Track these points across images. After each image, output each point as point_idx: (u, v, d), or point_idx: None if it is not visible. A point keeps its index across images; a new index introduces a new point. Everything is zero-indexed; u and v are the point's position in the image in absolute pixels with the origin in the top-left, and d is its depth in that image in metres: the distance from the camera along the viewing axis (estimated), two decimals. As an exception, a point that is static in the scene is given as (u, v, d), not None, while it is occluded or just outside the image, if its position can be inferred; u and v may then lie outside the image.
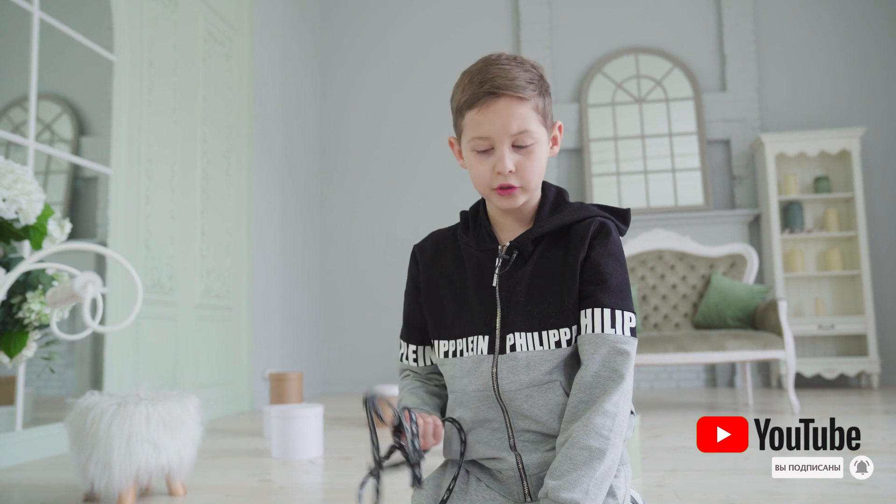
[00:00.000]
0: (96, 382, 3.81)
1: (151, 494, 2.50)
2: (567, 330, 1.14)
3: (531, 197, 1.22)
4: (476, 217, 1.26)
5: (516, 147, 1.15)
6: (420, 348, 1.30)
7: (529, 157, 1.16)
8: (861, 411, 4.32)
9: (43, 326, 2.85)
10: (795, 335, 5.95)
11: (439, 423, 1.19)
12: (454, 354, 1.19)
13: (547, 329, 1.14)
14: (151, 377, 4.22)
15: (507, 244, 1.20)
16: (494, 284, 1.18)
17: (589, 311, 1.13)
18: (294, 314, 6.38)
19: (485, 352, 1.15)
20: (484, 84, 1.13)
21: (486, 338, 1.16)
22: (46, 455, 3.36)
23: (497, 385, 1.14)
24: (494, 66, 1.14)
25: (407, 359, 1.31)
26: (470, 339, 1.17)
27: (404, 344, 1.32)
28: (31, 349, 2.87)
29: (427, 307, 1.25)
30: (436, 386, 1.31)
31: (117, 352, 3.92)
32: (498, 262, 1.19)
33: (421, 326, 1.29)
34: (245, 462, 3.15)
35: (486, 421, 1.17)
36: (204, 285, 4.93)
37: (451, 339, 1.20)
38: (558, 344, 1.13)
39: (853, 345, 6.02)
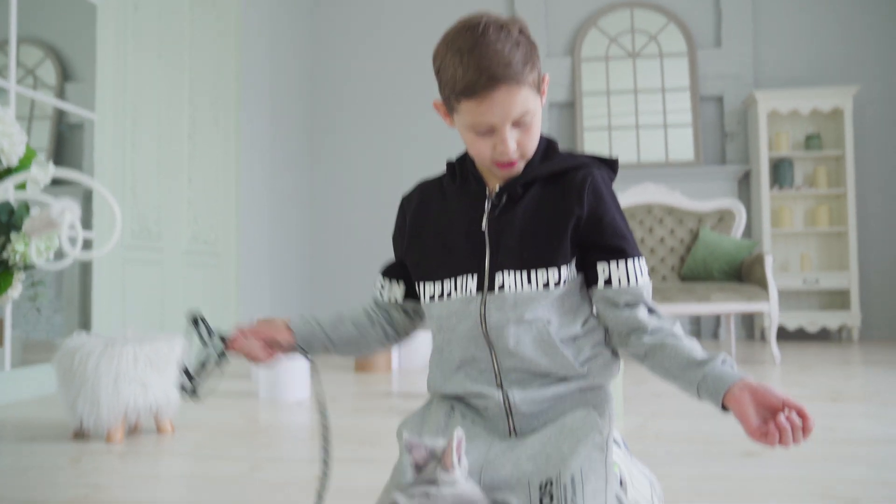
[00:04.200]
0: (84, 326, 3.82)
1: (140, 432, 2.54)
2: (555, 270, 1.15)
3: (526, 161, 1.23)
4: (463, 164, 1.26)
5: (515, 125, 1.14)
6: (387, 282, 1.31)
7: (528, 131, 1.16)
8: (840, 362, 4.40)
9: (28, 268, 2.85)
10: (780, 289, 6.02)
11: (274, 340, 1.26)
12: (441, 297, 1.19)
13: (535, 268, 1.15)
14: (139, 323, 4.24)
15: (497, 188, 1.20)
16: (484, 228, 1.18)
17: (621, 261, 1.16)
18: (282, 261, 6.38)
19: (473, 291, 1.16)
20: (480, 73, 1.09)
21: (475, 276, 1.16)
22: (35, 395, 3.39)
23: (485, 323, 1.15)
24: (486, 47, 1.10)
25: (375, 287, 1.34)
26: (458, 278, 1.18)
27: (379, 276, 1.34)
28: (16, 289, 2.87)
29: (414, 254, 1.25)
30: (370, 318, 1.32)
31: (104, 296, 3.92)
32: (487, 205, 1.19)
33: (397, 265, 1.31)
34: (233, 403, 3.19)
35: (474, 360, 1.18)
36: (191, 231, 4.91)
37: (439, 280, 1.20)
38: (546, 285, 1.14)
39: (836, 299, 6.10)
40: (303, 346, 1.28)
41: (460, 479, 0.98)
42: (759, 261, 4.53)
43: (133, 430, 2.55)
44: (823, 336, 6.25)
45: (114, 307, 4.01)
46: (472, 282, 1.16)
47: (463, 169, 1.25)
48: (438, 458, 0.99)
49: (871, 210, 6.14)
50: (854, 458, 2.02)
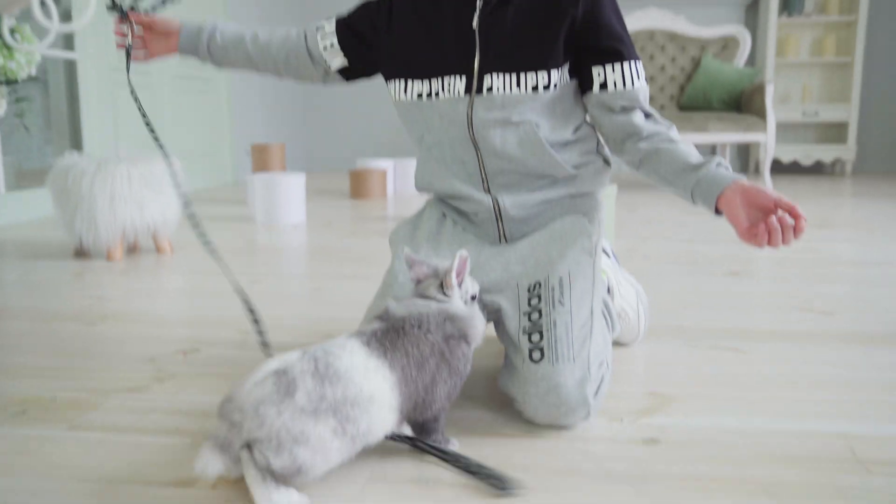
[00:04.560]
0: (75, 150, 3.79)
1: (139, 252, 2.59)
2: (545, 74, 1.11)
3: None
4: None
5: None
6: (331, 39, 1.27)
7: None
8: (831, 193, 4.44)
9: (10, 82, 2.77)
10: (779, 121, 5.96)
11: (168, 25, 1.34)
12: (429, 96, 1.16)
13: (525, 71, 1.11)
14: (131, 149, 4.20)
15: None
16: (475, 26, 1.13)
17: (617, 64, 1.12)
18: (275, 86, 6.23)
19: (462, 93, 1.13)
20: None
21: (464, 77, 1.13)
22: (32, 217, 3.42)
23: (471, 126, 1.13)
24: None
25: (312, 30, 1.29)
26: (446, 78, 1.14)
27: (326, 24, 1.29)
28: (0, 107, 2.81)
29: (398, 47, 1.19)
30: (277, 44, 1.31)
31: (94, 122, 3.86)
32: (479, 3, 1.13)
33: (350, 33, 1.26)
34: (230, 226, 3.23)
35: (463, 163, 1.18)
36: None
37: (426, 79, 1.16)
38: (535, 88, 1.11)
39: (833, 133, 6.06)
40: (186, 50, 1.37)
41: (455, 298, 0.99)
42: (759, 90, 4.44)
43: (132, 250, 2.60)
44: (817, 169, 6.27)
45: (104, 133, 3.96)
46: (460, 83, 1.13)
47: None
48: (440, 277, 1.00)
49: (880, 41, 5.95)
50: (834, 277, 2.09)
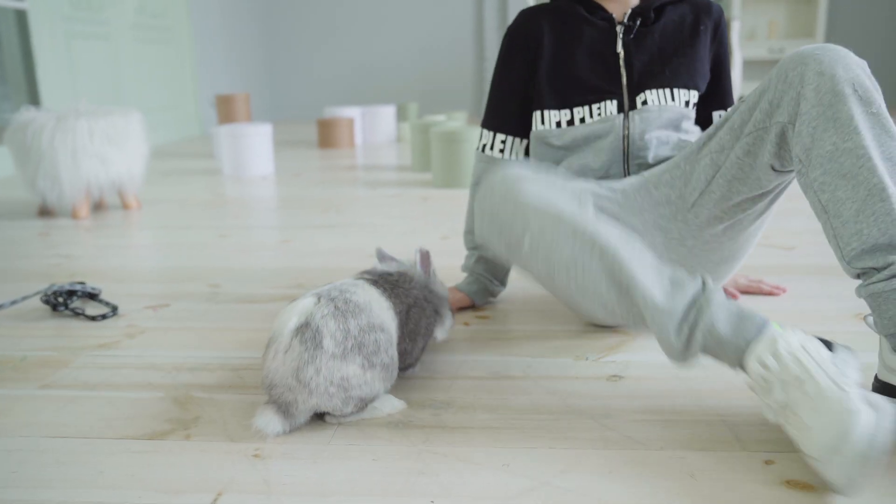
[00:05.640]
0: (33, 105, 3.69)
1: (106, 208, 2.55)
2: (695, 92, 1.17)
3: None
4: None
5: None
6: (510, 139, 1.25)
7: None
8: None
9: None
10: (745, 59, 5.96)
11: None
12: (570, 123, 1.16)
13: (678, 87, 1.16)
14: (93, 102, 4.10)
15: (629, 11, 1.16)
16: (619, 51, 1.15)
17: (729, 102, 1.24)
18: (238, 35, 6.09)
19: (614, 112, 1.14)
20: None
21: (615, 101, 1.15)
22: (-6, 176, 3.36)
23: (627, 139, 1.14)
24: None
25: (491, 149, 1.27)
26: (595, 105, 1.15)
27: (489, 133, 1.27)
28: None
29: (543, 83, 1.19)
30: None
31: (50, 75, 3.75)
32: (620, 29, 1.16)
33: (517, 114, 1.24)
34: (197, 179, 3.19)
35: (608, 176, 1.17)
36: (137, 1, 4.61)
37: (573, 107, 1.16)
38: (687, 104, 1.16)
39: (800, 69, 6.09)
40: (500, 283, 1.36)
41: (432, 278, 1.08)
42: (726, 26, 4.44)
43: (98, 207, 2.57)
44: (783, 105, 6.31)
45: (62, 86, 3.85)
46: (612, 105, 1.15)
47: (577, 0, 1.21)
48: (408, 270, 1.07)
49: (845, -27, 5.95)
50: (797, 212, 2.13)
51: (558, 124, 1.17)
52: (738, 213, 1.06)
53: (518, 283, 1.51)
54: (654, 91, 1.14)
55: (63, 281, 1.62)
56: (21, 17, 3.61)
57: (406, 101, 6.84)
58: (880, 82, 6.11)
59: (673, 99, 1.15)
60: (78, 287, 1.42)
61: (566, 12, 1.20)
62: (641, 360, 1.09)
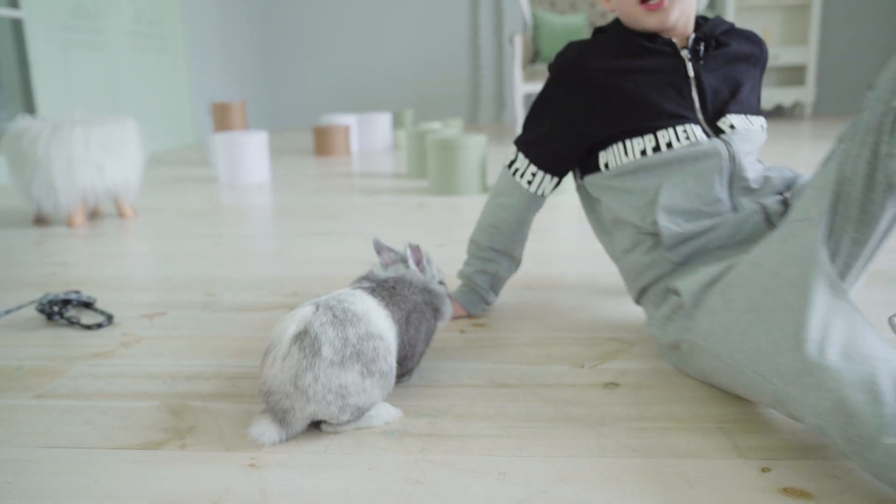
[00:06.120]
0: (28, 113, 3.69)
1: (102, 217, 2.55)
2: (763, 119, 1.18)
3: (686, 19, 1.13)
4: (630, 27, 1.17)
5: None
6: (541, 174, 1.23)
7: None
8: (791, 136, 4.50)
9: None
10: (740, 66, 5.99)
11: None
12: (656, 149, 1.10)
13: (750, 114, 1.15)
14: (89, 110, 4.10)
15: (692, 36, 1.13)
16: (691, 75, 1.12)
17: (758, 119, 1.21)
18: (234, 42, 6.10)
19: (702, 136, 1.10)
20: None
21: (697, 126, 1.11)
22: (-11, 185, 3.35)
23: (733, 157, 1.08)
24: None
25: (521, 176, 1.24)
26: (680, 128, 1.11)
27: (524, 160, 1.23)
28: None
29: (609, 117, 1.14)
30: (524, 222, 1.29)
31: (47, 83, 3.75)
32: (687, 54, 1.13)
33: (558, 153, 1.21)
34: (193, 187, 3.19)
35: (716, 201, 1.10)
36: (133, 10, 4.62)
37: (649, 134, 1.11)
38: (762, 128, 1.16)
39: (793, 76, 6.11)
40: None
41: (429, 276, 1.08)
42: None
43: (94, 215, 2.56)
44: (777, 113, 6.33)
45: (58, 94, 3.85)
46: (695, 129, 1.11)
47: (632, 30, 1.17)
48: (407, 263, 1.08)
49: (839, -20, 5.99)
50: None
51: (643, 152, 1.12)
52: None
53: (513, 289, 1.52)
54: (736, 115, 1.13)
55: (58, 290, 1.61)
56: (17, 25, 3.61)
57: (402, 109, 6.85)
58: (874, 89, 6.14)
59: (752, 124, 1.14)
60: (73, 296, 1.42)
61: (622, 40, 1.16)
62: (637, 367, 1.09)
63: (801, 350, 0.78)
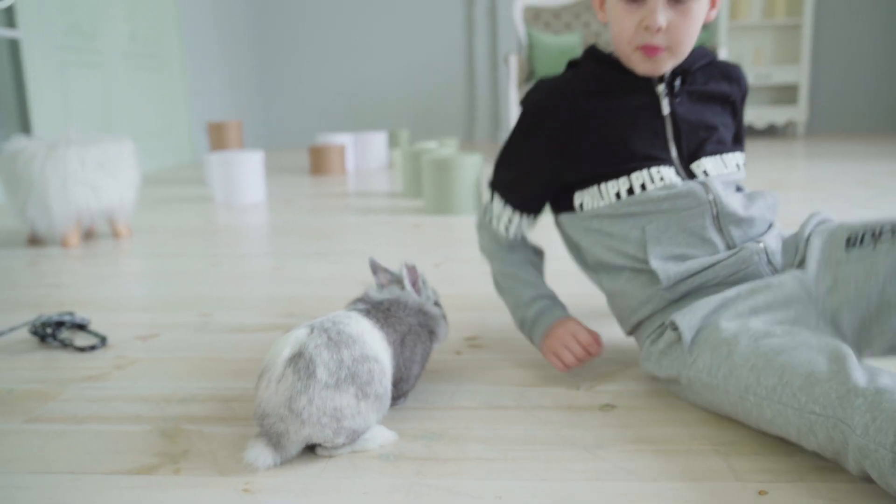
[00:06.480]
0: (24, 133, 3.69)
1: (96, 237, 2.54)
2: (741, 154, 1.15)
3: (676, 63, 1.08)
4: (604, 58, 1.13)
5: (672, 1, 1.01)
6: (518, 216, 1.18)
7: (685, 17, 1.02)
8: (784, 155, 4.53)
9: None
10: (733, 86, 6.03)
11: None
12: (642, 187, 1.06)
13: (726, 153, 1.12)
14: (85, 130, 4.11)
15: (670, 72, 1.08)
16: (665, 113, 1.08)
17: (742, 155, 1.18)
18: (230, 62, 6.12)
19: (672, 180, 1.06)
20: None
21: (671, 168, 1.07)
22: (-16, 204, 3.34)
23: (713, 202, 1.05)
24: None
25: (497, 222, 1.19)
26: (652, 170, 1.07)
27: (500, 203, 1.18)
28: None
29: (581, 158, 1.10)
30: (531, 263, 1.24)
31: (42, 101, 3.75)
32: (662, 89, 1.08)
33: (533, 193, 1.17)
34: (189, 206, 3.19)
35: (704, 241, 1.07)
36: (129, 29, 4.64)
37: (624, 176, 1.07)
38: (738, 167, 1.13)
39: (785, 94, 6.16)
40: None
41: (424, 297, 1.08)
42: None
43: (88, 235, 2.56)
44: (770, 132, 6.37)
45: (54, 114, 3.86)
46: (668, 171, 1.07)
47: (606, 62, 1.12)
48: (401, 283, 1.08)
49: (829, 1, 6.04)
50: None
51: (618, 195, 1.08)
52: None
53: (508, 311, 1.51)
54: (710, 158, 1.10)
55: (52, 311, 1.61)
56: (14, 45, 3.62)
57: (397, 128, 6.87)
58: (863, 108, 6.19)
59: (726, 167, 1.11)
60: (67, 318, 1.41)
61: (594, 77, 1.12)
62: (634, 388, 1.08)
63: (845, 380, 0.78)
